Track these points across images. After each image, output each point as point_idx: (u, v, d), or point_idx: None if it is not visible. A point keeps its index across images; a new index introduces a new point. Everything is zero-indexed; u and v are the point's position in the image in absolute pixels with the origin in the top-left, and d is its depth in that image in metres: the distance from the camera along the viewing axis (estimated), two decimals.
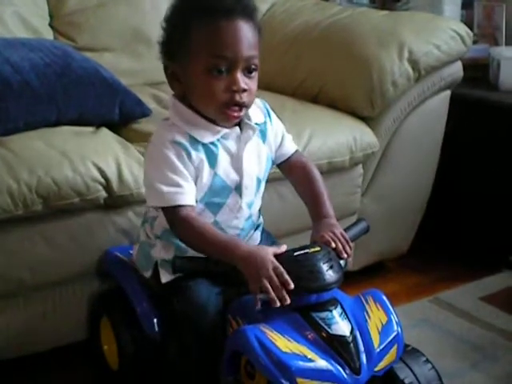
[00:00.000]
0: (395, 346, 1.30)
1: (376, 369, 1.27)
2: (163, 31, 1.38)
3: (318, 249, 1.29)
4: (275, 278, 1.23)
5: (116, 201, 1.65)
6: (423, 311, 2.09)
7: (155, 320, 1.48)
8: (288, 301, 1.23)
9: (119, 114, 1.85)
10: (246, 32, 1.32)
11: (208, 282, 1.37)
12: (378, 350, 1.27)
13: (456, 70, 2.22)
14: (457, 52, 2.17)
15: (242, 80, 1.31)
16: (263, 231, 1.54)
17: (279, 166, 1.53)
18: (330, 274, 1.26)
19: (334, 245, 1.34)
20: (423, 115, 2.19)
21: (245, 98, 1.33)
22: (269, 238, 1.55)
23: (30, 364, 1.73)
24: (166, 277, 1.43)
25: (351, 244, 1.37)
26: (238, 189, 1.40)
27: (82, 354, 1.73)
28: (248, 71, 1.33)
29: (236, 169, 1.39)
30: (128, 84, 1.96)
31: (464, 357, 1.87)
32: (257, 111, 1.43)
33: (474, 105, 2.40)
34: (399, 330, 1.32)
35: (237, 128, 1.39)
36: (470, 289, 2.24)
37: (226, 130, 1.37)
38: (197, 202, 1.36)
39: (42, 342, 1.70)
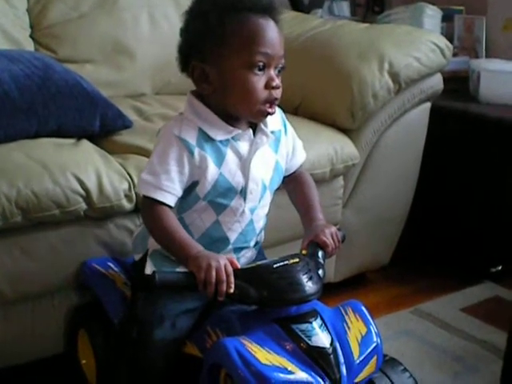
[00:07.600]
0: (375, 357, 1.31)
1: (356, 380, 1.28)
2: (184, 34, 1.36)
3: (297, 260, 1.28)
4: (223, 272, 1.22)
5: (96, 213, 1.64)
6: (404, 322, 2.10)
7: None
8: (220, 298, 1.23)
9: (100, 125, 1.84)
10: (279, 31, 1.33)
11: (179, 296, 1.36)
12: (358, 361, 1.28)
13: (436, 83, 2.23)
14: (437, 64, 2.19)
15: (276, 77, 1.32)
16: (259, 251, 1.51)
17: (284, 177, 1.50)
18: (309, 286, 1.26)
19: (329, 248, 1.37)
20: (403, 127, 2.20)
21: (278, 94, 1.33)
22: (258, 257, 1.51)
23: (6, 377, 1.70)
24: (150, 269, 1.40)
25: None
26: (243, 192, 1.37)
27: (61, 368, 1.72)
28: (278, 70, 1.33)
29: (243, 172, 1.36)
30: (109, 96, 1.96)
31: (445, 367, 1.88)
32: (275, 118, 1.41)
33: (454, 117, 2.41)
34: (379, 340, 1.32)
35: (250, 131, 1.37)
36: (451, 300, 2.25)
37: (238, 131, 1.35)
38: (200, 198, 1.35)
39: (20, 355, 1.68)
